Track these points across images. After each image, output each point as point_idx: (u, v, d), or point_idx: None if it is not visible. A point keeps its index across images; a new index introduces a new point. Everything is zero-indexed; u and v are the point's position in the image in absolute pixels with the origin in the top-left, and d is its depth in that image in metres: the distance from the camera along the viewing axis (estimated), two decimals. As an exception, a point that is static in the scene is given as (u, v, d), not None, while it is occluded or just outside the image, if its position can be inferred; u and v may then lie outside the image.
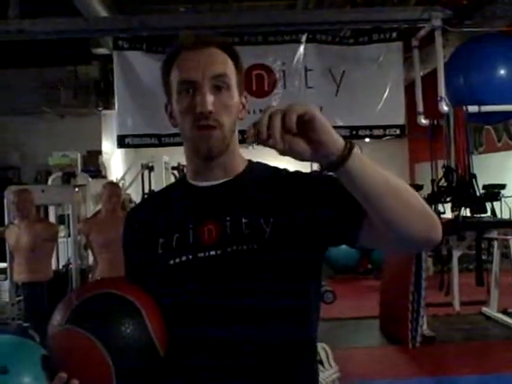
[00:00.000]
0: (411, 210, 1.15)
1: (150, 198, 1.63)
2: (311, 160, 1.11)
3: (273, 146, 1.07)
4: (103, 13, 6.36)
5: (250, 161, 1.41)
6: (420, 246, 1.20)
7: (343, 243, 1.31)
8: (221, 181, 1.35)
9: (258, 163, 1.42)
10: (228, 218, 1.30)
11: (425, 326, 6.01)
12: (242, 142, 1.39)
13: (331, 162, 1.10)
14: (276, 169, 1.40)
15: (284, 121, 1.06)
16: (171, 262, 1.30)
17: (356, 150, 1.10)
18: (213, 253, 1.28)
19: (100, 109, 10.08)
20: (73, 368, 1.19)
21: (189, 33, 1.35)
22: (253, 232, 1.28)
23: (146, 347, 1.22)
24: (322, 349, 4.75)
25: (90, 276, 6.37)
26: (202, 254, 1.28)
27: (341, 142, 1.09)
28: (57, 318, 1.23)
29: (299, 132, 1.08)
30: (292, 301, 1.29)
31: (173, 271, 1.30)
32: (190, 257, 1.29)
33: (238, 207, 1.31)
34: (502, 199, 8.76)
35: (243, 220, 1.29)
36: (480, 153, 10.95)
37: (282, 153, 1.09)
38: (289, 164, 1.28)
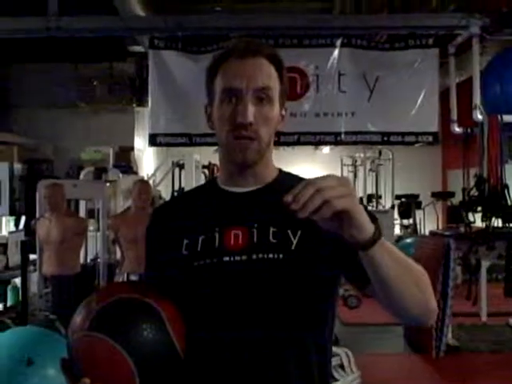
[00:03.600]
0: (416, 299, 1.21)
1: (178, 197, 1.65)
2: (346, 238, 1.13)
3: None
4: (140, 12, 6.43)
5: (280, 170, 1.42)
6: (410, 323, 1.28)
7: (355, 281, 1.33)
8: (251, 188, 1.36)
9: (289, 174, 1.43)
10: (256, 225, 1.30)
11: (450, 336, 5.95)
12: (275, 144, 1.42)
13: (354, 244, 1.12)
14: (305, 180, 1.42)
15: (323, 204, 1.06)
16: (195, 263, 1.30)
17: (382, 240, 1.12)
18: (238, 258, 1.28)
19: (134, 105, 10.18)
20: (96, 373, 1.19)
21: (240, 39, 1.36)
22: (280, 242, 1.28)
23: (167, 352, 1.22)
24: (344, 353, 4.75)
25: (117, 271, 6.44)
26: (227, 259, 1.29)
27: (370, 232, 1.11)
28: (77, 322, 1.23)
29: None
30: (312, 310, 1.30)
31: (197, 273, 1.30)
32: (215, 260, 1.29)
33: (267, 216, 1.31)
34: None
35: (271, 229, 1.30)
36: (514, 162, 10.78)
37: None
38: (317, 172, 1.29)
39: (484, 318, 6.83)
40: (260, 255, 1.28)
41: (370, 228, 1.10)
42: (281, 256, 1.27)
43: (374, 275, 1.16)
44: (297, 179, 1.40)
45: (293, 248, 1.28)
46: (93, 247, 7.35)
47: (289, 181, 1.39)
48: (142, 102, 9.90)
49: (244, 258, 1.28)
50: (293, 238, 1.28)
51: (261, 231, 1.30)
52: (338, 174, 12.88)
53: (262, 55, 1.32)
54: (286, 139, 6.01)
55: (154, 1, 7.27)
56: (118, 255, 6.16)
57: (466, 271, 7.12)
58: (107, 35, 6.58)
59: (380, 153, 11.43)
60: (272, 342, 1.27)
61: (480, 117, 5.86)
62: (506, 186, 5.77)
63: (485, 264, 6.55)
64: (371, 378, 4.91)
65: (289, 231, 1.29)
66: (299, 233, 1.29)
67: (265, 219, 1.31)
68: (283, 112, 1.38)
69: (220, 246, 1.30)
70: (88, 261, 7.19)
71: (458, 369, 5.53)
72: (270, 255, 1.27)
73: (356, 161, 12.71)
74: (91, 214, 7.65)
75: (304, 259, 1.27)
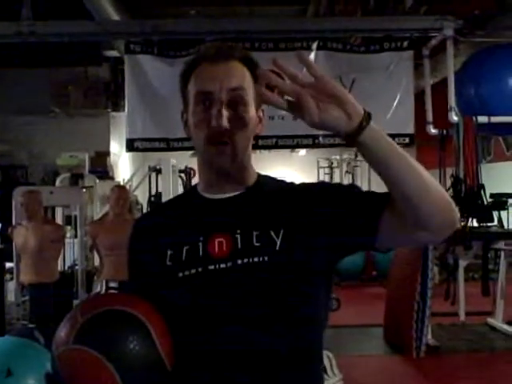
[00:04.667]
0: (430, 186, 1.16)
1: (159, 207, 1.63)
2: (341, 126, 1.12)
3: (311, 114, 1.09)
4: (115, 16, 6.38)
5: (259, 174, 1.41)
6: (440, 230, 1.19)
7: (361, 247, 1.32)
8: (232, 194, 1.34)
9: (267, 176, 1.42)
10: (239, 231, 1.29)
11: (429, 336, 5.99)
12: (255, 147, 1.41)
13: (357, 122, 1.11)
14: (284, 181, 1.42)
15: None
16: (180, 274, 1.29)
17: (374, 126, 1.14)
18: (223, 265, 1.27)
19: (109, 110, 10.10)
20: None
21: (211, 44, 1.34)
22: (264, 244, 1.27)
23: (154, 363, 1.20)
24: (326, 356, 4.76)
25: (95, 278, 6.39)
26: (212, 267, 1.27)
27: (359, 105, 1.13)
28: (61, 336, 1.20)
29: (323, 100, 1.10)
30: (302, 311, 1.29)
31: (182, 284, 1.29)
32: (200, 269, 1.28)
33: (249, 220, 1.31)
34: (510, 208, 8.76)
35: (254, 232, 1.29)
36: (488, 162, 10.90)
37: (316, 124, 1.11)
38: (293, 175, 1.29)
39: (462, 318, 6.90)
40: (245, 260, 1.26)
41: (358, 104, 1.12)
42: (266, 258, 1.26)
43: (384, 161, 1.15)
44: (276, 182, 1.42)
45: (277, 248, 1.26)
46: (70, 254, 7.29)
47: (268, 183, 1.40)
48: (117, 107, 9.85)
49: (229, 264, 1.27)
50: (276, 239, 1.27)
51: (244, 236, 1.28)
52: (315, 176, 12.97)
53: (235, 58, 1.31)
54: (264, 143, 6.00)
55: (128, 5, 7.23)
56: (97, 262, 6.12)
57: (443, 271, 7.18)
58: (82, 40, 6.53)
59: (356, 154, 11.49)
60: (263, 345, 1.26)
61: (455, 118, 5.91)
62: (482, 186, 5.83)
63: (462, 264, 6.62)
64: (353, 380, 4.92)
65: (271, 232, 1.28)
66: (282, 232, 1.28)
67: (247, 223, 1.30)
68: (260, 114, 1.36)
69: (204, 254, 1.29)
70: (66, 268, 7.13)
71: (439, 368, 5.58)
72: (255, 259, 1.26)
73: (332, 163, 12.77)
74: (68, 220, 7.59)
75: (289, 258, 1.26)
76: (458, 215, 1.21)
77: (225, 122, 1.25)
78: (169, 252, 1.32)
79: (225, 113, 1.26)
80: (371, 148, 1.13)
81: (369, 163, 1.17)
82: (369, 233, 1.24)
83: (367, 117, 1.12)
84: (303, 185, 1.39)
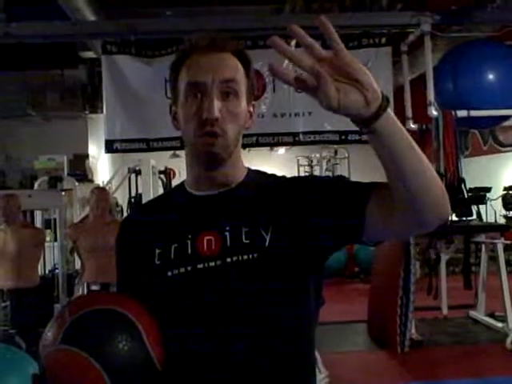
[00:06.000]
0: (433, 180, 1.12)
1: (146, 205, 1.58)
2: (359, 111, 1.03)
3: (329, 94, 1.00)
4: (91, 17, 6.32)
5: (249, 169, 1.39)
6: (434, 224, 1.17)
7: (349, 241, 1.29)
8: (221, 190, 1.32)
9: (257, 171, 1.40)
10: (228, 228, 1.27)
11: (413, 330, 6.02)
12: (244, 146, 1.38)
13: (375, 108, 1.03)
14: (274, 176, 1.39)
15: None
16: (169, 273, 1.27)
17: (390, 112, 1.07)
18: (212, 264, 1.25)
19: (86, 112, 10.02)
20: None
21: (203, 35, 1.30)
22: (253, 241, 1.25)
23: (144, 364, 1.18)
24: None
25: (76, 281, 6.32)
26: (201, 266, 1.25)
27: (379, 91, 1.03)
28: (49, 337, 1.17)
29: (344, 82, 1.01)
30: (293, 308, 1.27)
31: (171, 283, 1.27)
32: (189, 268, 1.26)
33: (238, 217, 1.28)
34: (488, 202, 8.84)
35: (243, 229, 1.26)
36: (466, 156, 11.00)
37: (334, 109, 1.02)
38: (281, 170, 1.26)
39: (445, 312, 6.96)
40: (234, 258, 1.24)
41: (379, 90, 1.03)
42: (255, 255, 1.24)
43: (394, 149, 1.08)
44: (267, 177, 1.39)
45: (266, 245, 1.24)
46: (50, 258, 7.21)
47: (258, 178, 1.38)
48: (94, 109, 9.77)
49: (218, 262, 1.25)
50: (265, 235, 1.25)
51: (233, 233, 1.26)
52: (295, 174, 13.00)
53: (227, 50, 1.28)
54: (244, 141, 5.97)
55: (104, 5, 7.15)
56: (78, 265, 6.06)
57: (425, 266, 7.22)
58: (58, 41, 6.46)
59: (336, 152, 11.53)
60: (255, 344, 1.24)
61: (435, 113, 5.94)
62: (463, 180, 5.87)
63: (444, 258, 6.67)
64: (339, 377, 4.93)
65: (261, 228, 1.26)
66: (271, 228, 1.26)
67: (236, 220, 1.28)
68: (251, 108, 1.33)
69: (193, 253, 1.26)
70: (46, 272, 7.05)
71: (423, 363, 5.60)
72: (245, 256, 1.24)
73: (312, 161, 12.80)
74: (48, 224, 7.50)
75: (279, 254, 1.24)
76: (449, 203, 1.17)
77: (217, 113, 1.22)
78: (157, 251, 1.30)
79: (217, 104, 1.23)
80: (382, 136, 1.06)
81: (376, 151, 1.10)
82: (356, 226, 1.22)
83: (385, 103, 1.04)
84: (293, 179, 1.37)
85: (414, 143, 1.10)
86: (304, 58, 1.00)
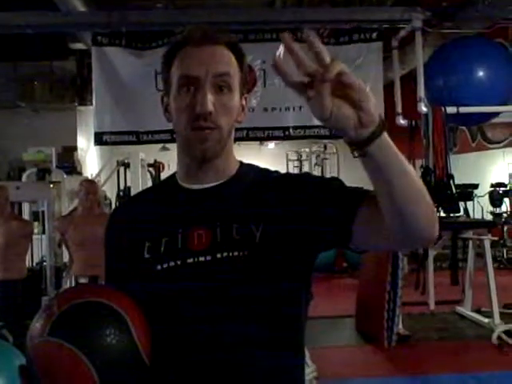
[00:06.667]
0: (424, 204, 1.11)
1: (137, 197, 1.56)
2: (350, 132, 1.02)
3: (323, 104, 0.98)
4: (81, 8, 6.28)
5: (242, 162, 1.37)
6: (417, 240, 1.17)
7: (336, 245, 1.29)
8: (212, 184, 1.30)
9: (250, 165, 1.38)
10: (218, 223, 1.25)
11: (400, 325, 6.05)
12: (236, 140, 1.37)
13: (369, 132, 1.01)
14: (267, 170, 1.38)
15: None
16: (158, 267, 1.25)
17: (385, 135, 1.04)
18: (202, 259, 1.23)
19: (76, 104, 9.97)
20: (55, 381, 1.13)
21: (197, 27, 1.28)
22: (243, 238, 1.24)
23: (131, 358, 1.16)
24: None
25: (64, 274, 6.30)
26: (191, 260, 1.24)
27: (376, 118, 1.01)
28: (37, 328, 1.15)
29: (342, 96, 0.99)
30: (282, 306, 1.26)
31: (160, 277, 1.25)
32: (179, 262, 1.24)
33: (229, 212, 1.27)
34: (475, 199, 8.91)
35: (234, 225, 1.25)
36: (454, 153, 11.05)
37: (324, 119, 1.00)
38: (273, 165, 1.25)
39: (432, 307, 6.99)
40: (224, 254, 1.23)
41: (376, 114, 1.01)
42: (246, 252, 1.22)
43: (385, 173, 1.05)
44: (259, 171, 1.38)
45: (257, 241, 1.23)
46: (38, 250, 7.17)
47: (251, 173, 1.36)
48: (84, 101, 9.72)
49: (208, 258, 1.23)
50: (256, 232, 1.24)
51: (224, 229, 1.25)
52: (284, 169, 13.01)
53: (221, 43, 1.26)
54: (234, 135, 5.97)
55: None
56: (66, 258, 6.03)
57: (412, 261, 7.26)
58: (48, 32, 6.41)
59: (325, 147, 11.53)
60: (244, 343, 1.23)
61: (424, 109, 5.96)
62: (452, 177, 5.90)
63: (431, 253, 6.70)
64: (326, 371, 4.94)
65: (251, 225, 1.25)
66: (262, 225, 1.24)
67: (227, 216, 1.26)
68: (243, 102, 1.32)
69: (183, 247, 1.25)
70: (34, 264, 7.02)
71: (410, 357, 5.64)
72: (235, 253, 1.23)
73: (301, 156, 12.80)
74: (36, 216, 7.46)
75: (269, 251, 1.23)
76: (437, 224, 1.15)
77: (210, 107, 1.21)
78: (147, 244, 1.28)
79: (210, 98, 1.21)
80: (374, 160, 1.04)
81: (367, 173, 1.08)
82: (343, 239, 1.22)
83: (381, 128, 1.01)
84: (287, 176, 1.36)
85: (408, 169, 1.08)
86: (307, 62, 0.99)
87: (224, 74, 1.24)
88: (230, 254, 1.23)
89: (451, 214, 6.28)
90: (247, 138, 6.11)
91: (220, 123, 1.23)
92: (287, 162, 12.89)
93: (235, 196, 1.30)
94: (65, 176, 8.65)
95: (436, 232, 1.15)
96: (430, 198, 1.13)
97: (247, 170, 1.37)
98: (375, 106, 1.01)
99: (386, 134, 1.03)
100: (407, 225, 1.10)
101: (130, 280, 1.27)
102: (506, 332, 5.88)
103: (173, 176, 1.38)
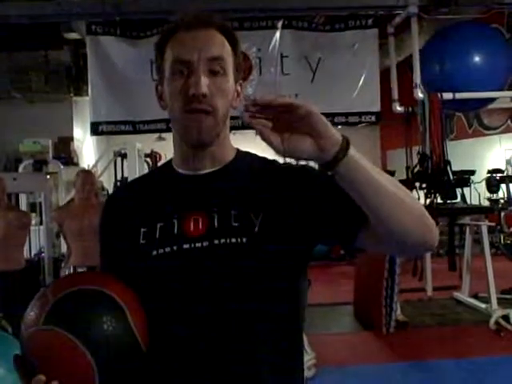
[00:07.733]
0: (406, 209, 1.12)
1: (132, 183, 1.54)
2: (311, 158, 1.08)
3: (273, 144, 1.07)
4: (75, -3, 6.23)
5: (238, 150, 1.36)
6: (416, 249, 1.17)
7: (337, 243, 1.28)
8: (209, 170, 1.29)
9: (247, 153, 1.37)
10: (215, 209, 1.24)
11: (398, 312, 6.07)
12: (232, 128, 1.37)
13: (332, 156, 1.06)
14: (266, 159, 1.36)
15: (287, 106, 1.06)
16: (154, 252, 1.24)
17: (352, 149, 1.07)
18: (199, 245, 1.22)
19: (71, 95, 9.92)
20: (52, 369, 1.11)
21: (188, 12, 1.27)
22: (242, 225, 1.23)
23: (128, 345, 1.16)
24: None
25: (62, 265, 6.29)
26: (187, 246, 1.23)
27: (338, 139, 1.07)
28: (32, 316, 1.14)
29: (297, 129, 1.06)
30: (279, 296, 1.25)
31: (156, 263, 1.24)
32: (175, 248, 1.23)
33: (227, 198, 1.26)
34: (472, 185, 8.92)
35: (232, 212, 1.24)
36: (451, 139, 11.06)
37: (284, 154, 1.08)
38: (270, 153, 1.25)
39: (430, 293, 7.02)
40: (222, 240, 1.22)
41: (337, 136, 1.07)
42: (244, 240, 1.21)
43: (357, 191, 1.10)
44: (256, 158, 1.37)
45: (256, 230, 1.22)
46: (36, 241, 7.16)
47: (248, 160, 1.35)
48: (79, 92, 9.67)
49: (205, 244, 1.22)
50: (255, 220, 1.23)
51: (221, 215, 1.24)
52: (280, 158, 12.97)
53: (214, 27, 1.25)
54: (230, 123, 5.95)
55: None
56: (64, 249, 6.03)
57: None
58: (42, 22, 6.37)
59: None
60: (239, 331, 1.22)
61: (421, 95, 5.95)
62: (449, 163, 5.90)
63: (429, 240, 6.70)
64: (325, 358, 4.97)
65: (251, 213, 1.24)
66: (261, 214, 1.24)
67: (225, 202, 1.25)
68: (238, 88, 1.30)
69: (179, 232, 1.24)
70: (32, 255, 7.01)
71: (408, 343, 5.66)
72: (233, 240, 1.21)
73: (298, 144, 12.79)
74: (33, 207, 7.45)
75: (268, 240, 1.22)
76: (437, 234, 1.17)
77: (204, 89, 1.19)
78: (142, 230, 1.27)
79: (204, 80, 1.20)
80: (345, 178, 1.09)
81: (343, 187, 1.12)
82: (346, 240, 1.22)
83: (344, 148, 1.06)
84: (288, 168, 1.33)
85: (384, 182, 1.10)
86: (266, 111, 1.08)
87: (217, 58, 1.23)
88: (228, 241, 1.22)
89: (448, 201, 6.28)
90: (243, 127, 6.08)
91: (215, 106, 1.22)
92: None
93: (233, 183, 1.29)
94: (61, 167, 8.63)
95: (434, 237, 1.16)
96: (418, 204, 1.16)
97: (245, 157, 1.36)
98: (331, 128, 1.07)
99: (353, 151, 1.07)
100: (396, 233, 1.13)
101: (125, 266, 1.26)
102: (504, 317, 5.91)
103: (169, 162, 1.37)
